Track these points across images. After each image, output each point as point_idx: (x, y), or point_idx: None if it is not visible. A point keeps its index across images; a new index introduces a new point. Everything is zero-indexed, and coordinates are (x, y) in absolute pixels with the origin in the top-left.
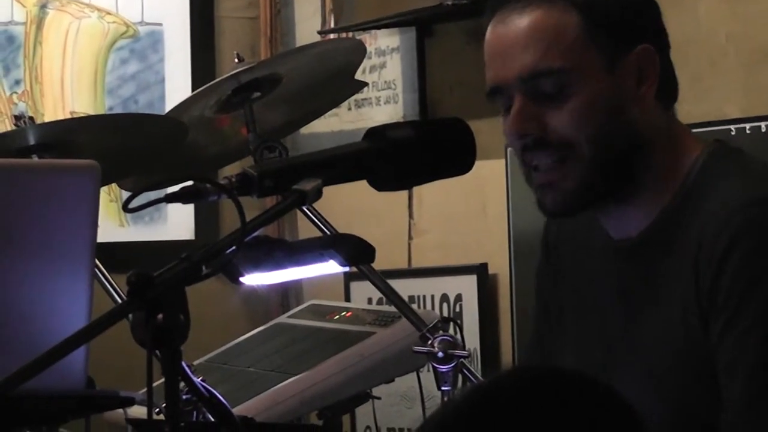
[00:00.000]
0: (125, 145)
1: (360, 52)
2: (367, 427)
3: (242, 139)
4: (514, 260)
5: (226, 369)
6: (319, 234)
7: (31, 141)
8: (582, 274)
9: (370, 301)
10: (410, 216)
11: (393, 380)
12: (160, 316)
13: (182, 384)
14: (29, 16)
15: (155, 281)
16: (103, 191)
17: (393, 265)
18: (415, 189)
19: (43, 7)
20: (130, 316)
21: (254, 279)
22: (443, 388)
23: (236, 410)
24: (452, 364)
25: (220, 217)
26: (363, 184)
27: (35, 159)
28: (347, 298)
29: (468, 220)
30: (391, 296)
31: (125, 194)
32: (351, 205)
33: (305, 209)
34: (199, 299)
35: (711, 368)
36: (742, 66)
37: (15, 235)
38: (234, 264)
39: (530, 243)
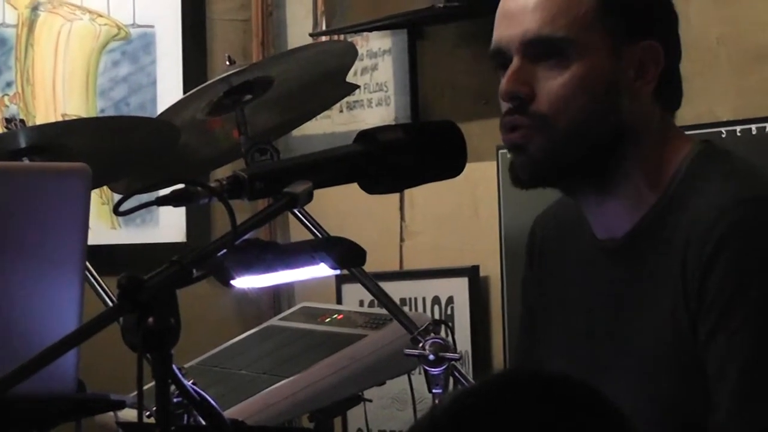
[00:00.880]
0: (117, 148)
1: (352, 54)
2: (359, 429)
3: (234, 141)
4: (506, 263)
5: (217, 372)
6: (311, 237)
7: (22, 144)
8: (569, 277)
9: (361, 303)
10: (402, 218)
11: (384, 383)
12: (150, 319)
13: (173, 387)
14: (21, 18)
15: (146, 284)
16: (95, 194)
17: (384, 268)
18: (407, 191)
19: (34, 9)
20: (121, 319)
21: (245, 282)
22: (434, 391)
23: (228, 413)
24: (443, 367)
25: (212, 220)
26: (354, 187)
27: (26, 162)
28: (339, 301)
29: (459, 222)
30: (383, 299)
31: (117, 197)
32: (342, 207)
33: (296, 212)
34: (190, 302)
35: (699, 369)
36: (733, 68)
37: (5, 237)
38: (225, 267)
39: (522, 245)
